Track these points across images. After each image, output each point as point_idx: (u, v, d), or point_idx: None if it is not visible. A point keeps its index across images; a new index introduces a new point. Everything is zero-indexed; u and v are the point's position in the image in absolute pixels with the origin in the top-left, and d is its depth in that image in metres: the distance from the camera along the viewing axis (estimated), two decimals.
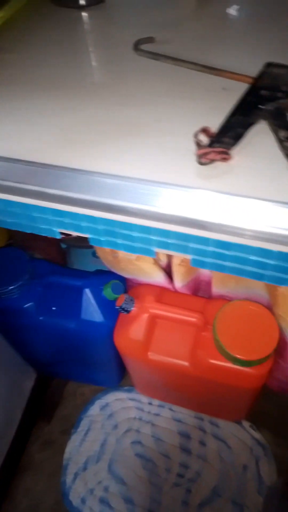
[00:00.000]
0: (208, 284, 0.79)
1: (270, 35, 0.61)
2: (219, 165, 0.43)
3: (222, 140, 0.42)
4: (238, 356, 0.68)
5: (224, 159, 0.42)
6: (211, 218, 0.41)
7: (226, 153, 0.41)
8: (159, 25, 0.63)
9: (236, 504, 0.88)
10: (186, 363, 0.76)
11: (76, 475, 0.94)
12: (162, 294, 0.80)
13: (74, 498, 0.91)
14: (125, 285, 0.85)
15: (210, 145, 0.42)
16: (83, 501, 0.91)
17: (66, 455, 0.97)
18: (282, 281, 0.48)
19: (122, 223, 0.47)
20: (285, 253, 0.43)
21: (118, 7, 0.63)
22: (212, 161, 0.42)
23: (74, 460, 0.96)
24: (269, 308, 0.72)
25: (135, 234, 0.48)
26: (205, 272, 0.79)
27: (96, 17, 0.67)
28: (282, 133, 0.42)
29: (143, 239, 0.49)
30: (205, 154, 0.40)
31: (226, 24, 0.64)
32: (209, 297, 0.82)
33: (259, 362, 0.69)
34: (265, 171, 0.43)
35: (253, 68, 0.50)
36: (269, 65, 0.47)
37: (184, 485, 0.91)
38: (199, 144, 0.43)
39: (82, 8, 0.68)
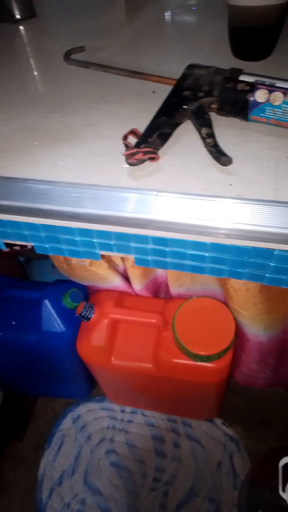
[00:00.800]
0: (167, 284, 0.81)
1: (196, 38, 0.64)
2: (149, 165, 0.45)
3: (149, 140, 0.44)
4: (197, 352, 0.70)
5: (153, 159, 0.44)
6: (143, 216, 0.42)
7: (154, 153, 0.43)
8: (90, 34, 0.65)
9: (212, 501, 0.89)
10: (149, 365, 0.77)
11: (51, 490, 0.92)
12: (122, 299, 0.81)
13: None
14: (85, 293, 0.85)
15: (137, 146, 0.43)
16: None
17: (40, 471, 0.95)
18: (221, 273, 0.49)
19: (62, 228, 0.48)
20: (218, 244, 0.44)
21: (50, 19, 0.65)
22: (141, 161, 0.44)
23: (49, 476, 0.94)
24: (225, 303, 0.74)
25: (77, 238, 0.49)
26: (162, 273, 0.80)
27: (30, 30, 0.68)
28: (204, 131, 0.44)
29: (86, 242, 0.49)
30: (132, 154, 0.42)
31: (155, 31, 0.67)
32: (169, 297, 0.84)
33: (218, 356, 0.70)
34: (192, 168, 0.45)
35: (180, 71, 0.53)
36: (190, 66, 0.49)
37: (160, 489, 0.91)
38: (127, 146, 0.44)
39: (16, 22, 0.70)
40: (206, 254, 0.46)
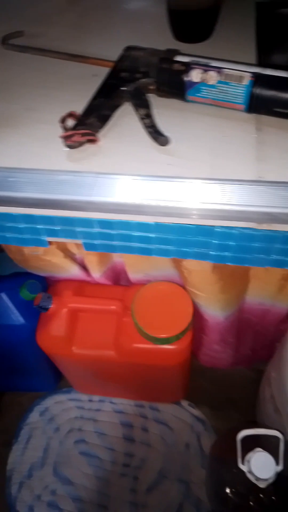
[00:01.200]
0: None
1: (139, 22, 0.64)
2: (89, 147, 0.45)
3: (87, 122, 0.44)
4: (157, 335, 0.71)
5: (92, 141, 0.44)
6: (83, 198, 0.42)
7: (92, 134, 0.43)
8: (31, 20, 0.63)
9: (182, 482, 0.91)
10: (111, 352, 0.77)
11: (21, 484, 0.92)
12: (81, 288, 0.80)
13: (21, 507, 0.89)
14: (44, 283, 0.85)
15: (75, 128, 0.43)
16: (30, 508, 0.89)
17: (9, 466, 0.95)
18: (168, 253, 0.50)
19: (3, 215, 0.47)
20: (162, 224, 0.45)
21: None
22: (80, 143, 0.43)
23: (18, 470, 0.94)
24: (183, 285, 0.75)
25: (21, 225, 0.49)
26: (120, 260, 0.81)
27: None
28: (142, 111, 0.44)
29: (30, 229, 0.49)
30: (69, 136, 0.42)
31: (97, 15, 0.66)
32: (130, 284, 0.84)
33: (177, 337, 0.71)
34: (132, 149, 0.45)
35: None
36: (128, 48, 0.49)
37: (130, 474, 0.92)
38: (65, 129, 0.44)
39: None
40: (151, 235, 0.47)
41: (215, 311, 0.76)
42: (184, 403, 1.01)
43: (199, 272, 0.66)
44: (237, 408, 1.02)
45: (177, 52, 0.47)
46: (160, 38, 0.60)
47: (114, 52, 0.53)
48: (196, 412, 1.00)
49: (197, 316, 0.79)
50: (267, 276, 0.69)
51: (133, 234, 0.47)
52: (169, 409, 1.00)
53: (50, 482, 0.92)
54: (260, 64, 0.52)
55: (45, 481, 0.92)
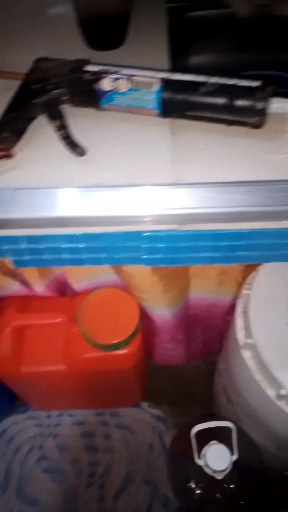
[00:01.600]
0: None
1: (55, 31, 0.63)
2: (5, 163, 0.44)
3: (0, 137, 0.43)
4: (106, 343, 0.70)
5: (6, 156, 0.43)
6: (2, 215, 0.41)
7: (5, 149, 0.42)
8: None
9: (148, 483, 0.91)
10: (62, 366, 0.76)
11: None
12: (25, 303, 0.78)
13: None
14: None
15: None
16: None
17: None
18: (100, 261, 0.50)
19: None
20: (89, 234, 0.45)
21: None
22: None
23: None
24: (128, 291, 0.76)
25: None
26: (62, 270, 0.79)
27: None
28: (56, 123, 0.44)
29: None
30: None
31: (12, 23, 0.65)
32: (75, 294, 0.83)
33: (126, 342, 0.71)
34: (51, 161, 0.44)
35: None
36: (38, 60, 0.49)
37: (97, 483, 0.91)
38: None
39: None
40: (80, 246, 0.47)
41: (161, 311, 0.77)
42: (144, 404, 1.01)
43: (140, 276, 0.66)
44: (196, 402, 1.04)
45: (87, 62, 0.47)
46: (74, 47, 0.60)
47: (26, 63, 0.52)
48: (156, 412, 1.00)
49: (146, 318, 0.80)
50: (206, 272, 0.71)
51: (61, 246, 0.47)
52: (129, 412, 1.00)
53: (15, 505, 0.89)
54: (173, 68, 0.53)
55: (9, 505, 0.89)
